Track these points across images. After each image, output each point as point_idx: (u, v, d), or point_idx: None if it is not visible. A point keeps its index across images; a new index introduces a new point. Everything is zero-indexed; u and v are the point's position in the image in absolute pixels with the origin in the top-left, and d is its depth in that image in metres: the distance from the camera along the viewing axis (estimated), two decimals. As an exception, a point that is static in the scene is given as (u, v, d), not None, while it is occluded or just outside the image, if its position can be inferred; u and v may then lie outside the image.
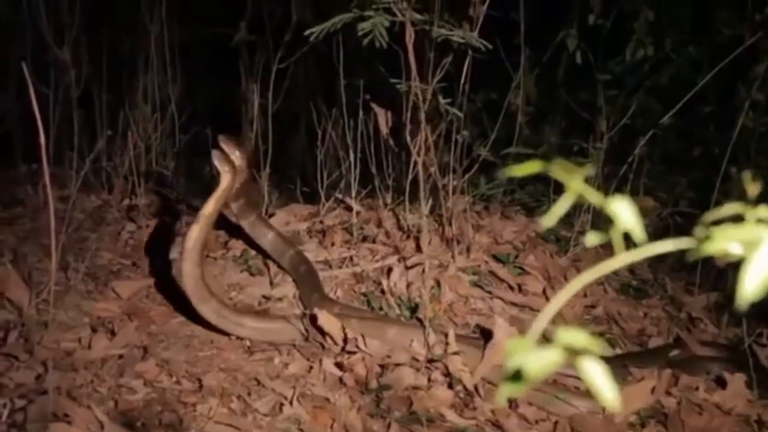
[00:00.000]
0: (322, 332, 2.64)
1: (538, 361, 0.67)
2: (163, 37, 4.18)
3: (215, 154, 2.71)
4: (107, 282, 3.12)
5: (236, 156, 2.83)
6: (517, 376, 0.67)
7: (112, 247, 3.49)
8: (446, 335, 2.59)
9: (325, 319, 2.63)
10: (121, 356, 2.55)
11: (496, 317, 2.76)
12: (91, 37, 4.28)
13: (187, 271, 2.62)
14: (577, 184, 0.72)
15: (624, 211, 0.71)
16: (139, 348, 2.64)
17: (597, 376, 0.66)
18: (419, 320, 2.78)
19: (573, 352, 0.68)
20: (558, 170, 0.72)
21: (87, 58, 4.18)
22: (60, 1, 4.18)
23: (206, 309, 2.64)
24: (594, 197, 0.73)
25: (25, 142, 4.61)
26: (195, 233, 2.63)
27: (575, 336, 0.68)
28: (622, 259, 0.73)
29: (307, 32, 2.96)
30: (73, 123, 4.04)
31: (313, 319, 2.64)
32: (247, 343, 2.77)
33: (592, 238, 0.73)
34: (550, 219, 0.74)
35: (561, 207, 0.72)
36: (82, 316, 2.83)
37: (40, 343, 2.52)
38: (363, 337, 2.61)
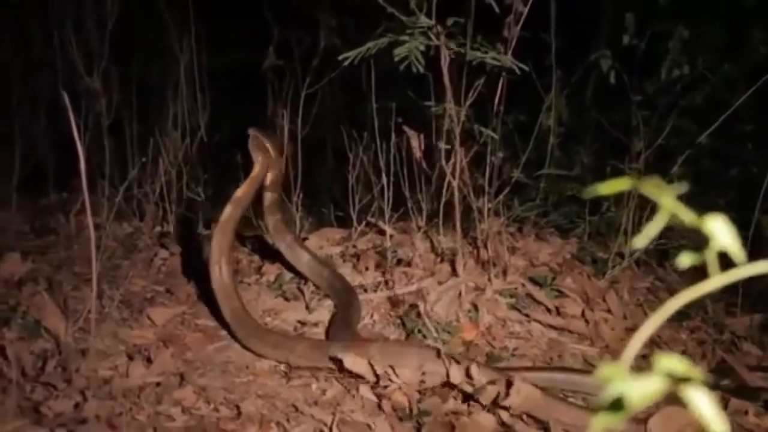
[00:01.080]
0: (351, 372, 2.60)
1: (639, 390, 0.64)
2: (193, 65, 4.20)
3: (250, 141, 2.88)
4: (142, 309, 3.10)
5: (269, 145, 2.93)
6: (616, 405, 0.64)
7: (145, 274, 3.48)
8: (468, 370, 2.51)
9: (352, 361, 2.58)
10: (158, 384, 2.52)
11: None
12: (120, 66, 4.31)
13: (216, 240, 2.79)
14: (669, 202, 0.69)
15: (721, 231, 0.68)
16: (176, 375, 2.61)
17: (704, 405, 0.63)
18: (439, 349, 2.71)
19: (674, 380, 0.64)
20: (649, 188, 0.69)
21: (117, 86, 4.20)
22: (90, 31, 4.22)
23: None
24: (687, 215, 0.69)
25: (55, 170, 4.65)
26: (228, 211, 2.79)
27: (675, 363, 0.65)
28: (718, 280, 0.69)
29: (341, 57, 2.96)
30: (105, 151, 4.06)
31: (341, 364, 2.59)
32: (284, 368, 2.75)
33: (685, 260, 0.70)
34: (641, 240, 0.71)
35: (654, 227, 0.69)
36: (118, 343, 2.81)
37: (78, 372, 2.50)
38: (392, 368, 2.57)
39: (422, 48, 2.80)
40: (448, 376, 2.47)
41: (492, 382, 2.42)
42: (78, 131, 4.07)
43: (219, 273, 2.83)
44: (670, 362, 0.65)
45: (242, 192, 2.83)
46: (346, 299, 3.04)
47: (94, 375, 2.50)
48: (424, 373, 2.55)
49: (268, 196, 3.05)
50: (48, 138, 4.64)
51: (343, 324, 2.88)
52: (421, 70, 2.85)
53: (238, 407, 2.43)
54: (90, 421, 2.23)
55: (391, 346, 2.68)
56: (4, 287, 3.16)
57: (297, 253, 3.17)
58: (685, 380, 0.64)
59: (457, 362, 2.47)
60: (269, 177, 2.94)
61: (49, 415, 2.29)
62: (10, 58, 4.49)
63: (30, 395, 2.39)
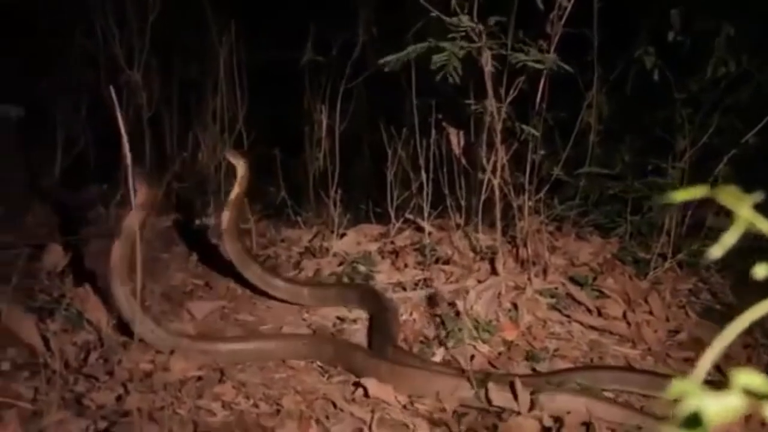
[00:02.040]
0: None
1: (717, 407, 0.62)
2: (232, 60, 4.20)
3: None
4: (182, 303, 3.12)
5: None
6: (693, 421, 0.62)
7: (183, 267, 3.49)
8: (513, 385, 2.46)
9: (377, 388, 2.57)
10: (199, 378, 2.54)
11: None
12: (161, 60, 4.33)
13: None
14: (746, 211, 0.67)
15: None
16: (216, 370, 2.62)
17: (786, 422, 0.61)
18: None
19: (753, 396, 0.62)
20: (725, 196, 0.67)
21: (158, 80, 4.22)
22: (131, 25, 4.25)
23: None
24: (764, 225, 0.67)
25: (95, 163, 4.69)
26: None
27: (753, 378, 0.63)
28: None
29: (381, 61, 2.96)
30: (144, 144, 4.08)
31: (365, 389, 2.57)
32: (321, 364, 2.75)
33: (761, 270, 0.68)
34: (718, 250, 0.69)
35: (731, 237, 0.67)
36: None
37: (120, 364, 2.52)
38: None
39: (461, 55, 2.79)
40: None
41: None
42: (121, 126, 4.15)
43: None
44: (748, 378, 0.63)
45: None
46: (379, 307, 3.04)
47: (135, 368, 2.51)
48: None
49: (226, 216, 3.12)
50: (88, 130, 4.67)
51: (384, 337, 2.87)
52: (458, 80, 2.85)
53: (277, 403, 2.43)
54: (131, 414, 2.24)
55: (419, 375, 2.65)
56: (47, 279, 3.19)
57: (270, 282, 3.17)
58: (763, 396, 0.62)
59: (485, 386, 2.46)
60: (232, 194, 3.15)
61: (92, 407, 2.31)
62: (53, 50, 4.53)
63: (73, 387, 2.41)
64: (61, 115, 4.47)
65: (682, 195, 0.69)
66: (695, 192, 0.70)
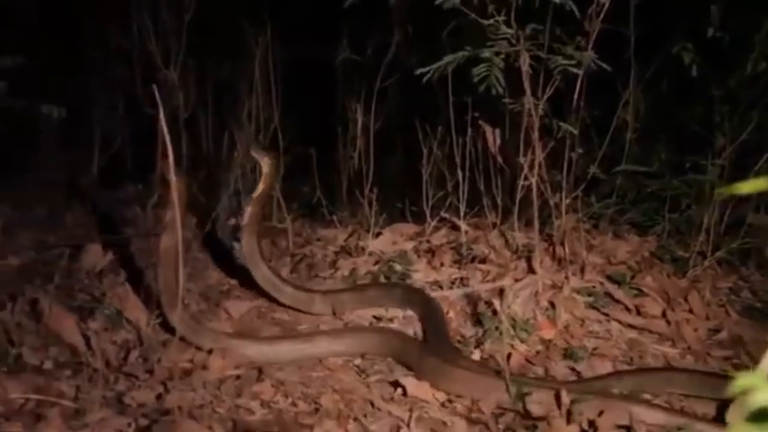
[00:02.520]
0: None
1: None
2: (267, 59, 4.22)
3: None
4: (219, 302, 3.14)
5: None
6: (760, 416, 0.61)
7: (220, 266, 3.51)
8: (558, 395, 2.41)
9: (415, 387, 2.56)
10: (238, 377, 2.55)
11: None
12: (197, 59, 4.36)
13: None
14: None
15: None
16: (254, 368, 2.63)
17: None
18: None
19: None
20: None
21: (194, 80, 4.25)
22: (167, 25, 4.28)
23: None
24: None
25: (132, 162, 4.74)
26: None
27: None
28: None
29: (418, 71, 2.96)
30: (180, 144, 4.11)
31: (403, 387, 2.56)
32: (358, 362, 2.75)
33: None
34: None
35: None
36: (197, 335, 2.84)
37: (160, 363, 2.54)
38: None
39: (501, 65, 2.79)
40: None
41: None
42: (154, 124, 4.18)
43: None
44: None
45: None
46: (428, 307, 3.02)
47: (174, 366, 2.53)
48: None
49: (248, 211, 3.10)
50: (125, 130, 4.71)
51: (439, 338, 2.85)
52: (501, 91, 2.84)
53: (315, 402, 2.44)
54: (172, 412, 2.26)
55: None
56: (86, 278, 3.23)
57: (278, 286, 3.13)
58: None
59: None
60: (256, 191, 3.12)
61: (132, 406, 2.33)
62: (89, 50, 4.57)
63: (113, 386, 2.43)
64: (98, 115, 4.52)
65: (745, 187, 0.68)
66: (758, 185, 0.68)
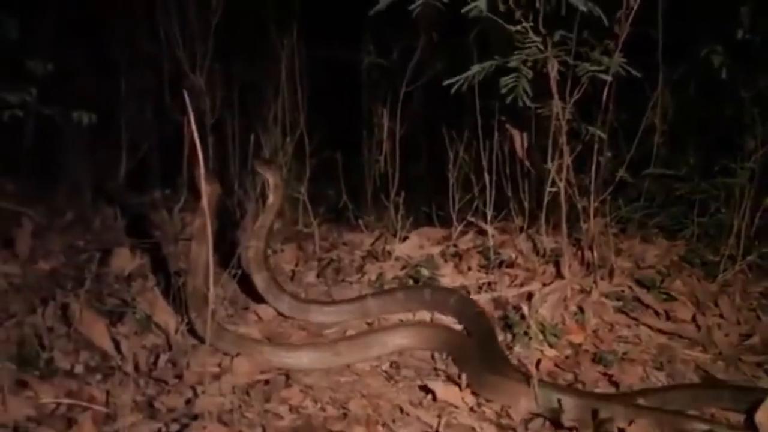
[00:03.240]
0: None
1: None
2: (294, 63, 4.23)
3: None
4: (247, 306, 3.15)
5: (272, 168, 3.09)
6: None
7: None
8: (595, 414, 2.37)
9: (444, 391, 2.54)
10: (266, 382, 2.55)
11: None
12: (223, 63, 4.38)
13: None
14: None
15: None
16: (282, 373, 2.63)
17: None
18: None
19: None
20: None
21: (220, 84, 4.27)
22: (194, 29, 4.31)
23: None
24: None
25: (158, 166, 4.77)
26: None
27: None
28: None
29: (446, 83, 2.96)
30: (207, 148, 4.13)
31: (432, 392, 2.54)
32: (385, 367, 2.75)
33: None
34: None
35: None
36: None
37: (189, 368, 2.55)
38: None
39: (530, 75, 2.78)
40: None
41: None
42: (181, 128, 4.21)
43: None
44: None
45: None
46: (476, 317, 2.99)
47: (203, 371, 2.54)
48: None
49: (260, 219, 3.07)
50: (153, 135, 4.75)
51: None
52: (528, 103, 2.83)
53: (344, 407, 2.43)
54: (201, 417, 2.26)
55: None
56: (115, 282, 3.25)
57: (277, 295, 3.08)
58: None
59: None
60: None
61: (163, 410, 2.34)
62: (117, 55, 4.61)
63: (144, 390, 2.45)
64: (126, 119, 4.55)
65: None
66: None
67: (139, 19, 4.58)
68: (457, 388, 2.52)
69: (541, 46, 2.86)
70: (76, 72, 4.71)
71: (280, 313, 3.08)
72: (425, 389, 2.55)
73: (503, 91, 2.89)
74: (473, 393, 2.51)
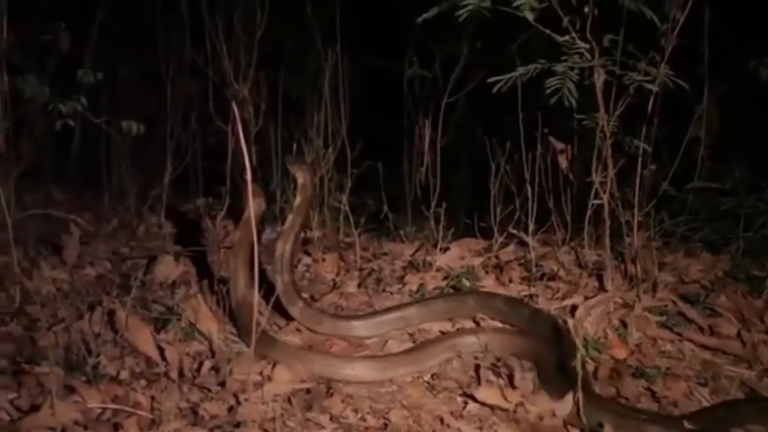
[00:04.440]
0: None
1: None
2: (336, 74, 4.26)
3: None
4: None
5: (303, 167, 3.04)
6: None
7: (289, 279, 3.54)
8: None
9: (485, 394, 2.54)
10: (308, 391, 2.57)
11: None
12: (267, 74, 4.43)
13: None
14: None
15: None
16: (323, 383, 2.65)
17: None
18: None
19: None
20: None
21: (265, 94, 4.32)
22: (239, 41, 4.36)
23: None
24: None
25: (201, 175, 4.83)
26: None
27: None
28: None
29: (490, 80, 2.96)
30: (251, 157, 4.17)
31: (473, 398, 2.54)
32: (427, 377, 2.75)
33: None
34: None
35: None
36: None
37: (231, 375, 2.57)
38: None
39: (576, 78, 2.77)
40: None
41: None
42: (225, 137, 4.26)
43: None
44: None
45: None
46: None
47: (246, 378, 2.56)
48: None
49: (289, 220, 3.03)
50: (197, 143, 4.80)
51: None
52: (574, 104, 2.82)
53: (384, 417, 2.44)
54: (244, 424, 2.29)
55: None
56: (160, 289, 3.29)
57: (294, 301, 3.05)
58: None
59: None
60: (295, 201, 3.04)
61: (206, 417, 2.36)
62: (162, 64, 4.67)
63: (188, 396, 2.47)
64: (170, 128, 4.61)
65: None
66: None
67: (184, 30, 4.64)
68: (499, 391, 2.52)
69: (588, 55, 2.85)
70: (123, 81, 4.78)
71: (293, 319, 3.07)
72: (466, 400, 2.55)
73: (548, 92, 2.87)
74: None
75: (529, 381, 2.62)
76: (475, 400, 2.51)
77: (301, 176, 2.99)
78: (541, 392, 2.55)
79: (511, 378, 2.64)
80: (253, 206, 2.50)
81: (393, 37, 4.66)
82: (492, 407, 2.49)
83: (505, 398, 2.49)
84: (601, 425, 2.33)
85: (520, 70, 2.94)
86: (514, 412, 2.45)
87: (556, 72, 2.85)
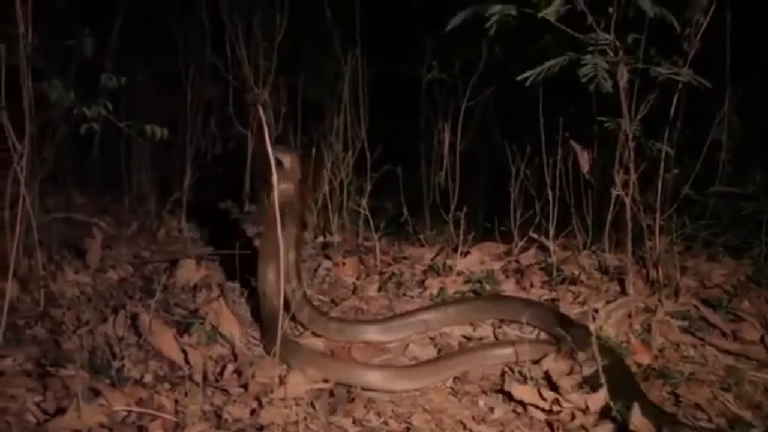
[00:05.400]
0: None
1: None
2: (357, 79, 4.26)
3: (276, 148, 2.78)
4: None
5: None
6: None
7: (309, 283, 3.55)
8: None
9: (520, 391, 2.55)
10: (331, 394, 2.57)
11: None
12: (287, 79, 4.44)
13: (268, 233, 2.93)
14: None
15: None
16: (344, 386, 2.65)
17: None
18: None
19: None
20: None
21: (284, 98, 4.34)
22: (258, 44, 4.38)
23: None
24: None
25: (221, 179, 4.84)
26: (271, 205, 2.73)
27: None
28: None
29: (520, 77, 2.95)
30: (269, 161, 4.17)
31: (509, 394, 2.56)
32: (450, 384, 2.75)
33: None
34: None
35: None
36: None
37: (254, 378, 2.58)
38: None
39: (606, 66, 2.75)
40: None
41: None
42: (245, 142, 4.27)
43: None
44: None
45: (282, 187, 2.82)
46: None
47: (268, 381, 2.57)
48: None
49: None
50: (217, 147, 4.83)
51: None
52: (609, 88, 2.80)
53: (407, 421, 2.44)
54: (267, 428, 2.30)
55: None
56: (182, 293, 3.31)
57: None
58: None
59: None
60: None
61: (229, 420, 2.37)
62: (182, 69, 4.69)
63: (211, 399, 2.48)
64: (190, 131, 4.64)
65: None
66: None
67: (204, 35, 4.66)
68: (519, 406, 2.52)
69: (611, 52, 2.84)
70: (142, 85, 4.81)
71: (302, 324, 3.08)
72: (488, 406, 2.55)
73: (584, 80, 2.84)
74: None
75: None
76: (510, 398, 2.52)
77: (287, 162, 2.90)
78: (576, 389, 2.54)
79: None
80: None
81: (412, 41, 4.67)
82: (525, 405, 2.50)
83: (541, 396, 2.48)
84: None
85: (549, 62, 2.92)
86: (549, 411, 2.45)
87: (587, 63, 2.82)
